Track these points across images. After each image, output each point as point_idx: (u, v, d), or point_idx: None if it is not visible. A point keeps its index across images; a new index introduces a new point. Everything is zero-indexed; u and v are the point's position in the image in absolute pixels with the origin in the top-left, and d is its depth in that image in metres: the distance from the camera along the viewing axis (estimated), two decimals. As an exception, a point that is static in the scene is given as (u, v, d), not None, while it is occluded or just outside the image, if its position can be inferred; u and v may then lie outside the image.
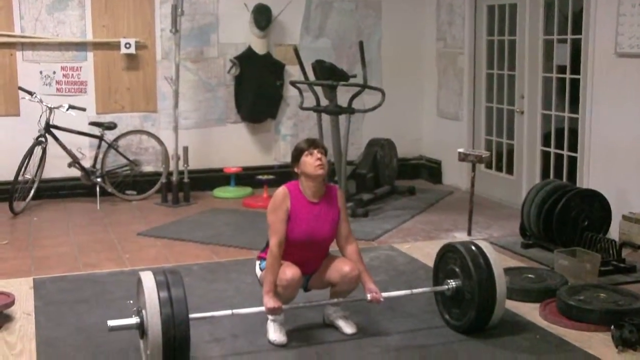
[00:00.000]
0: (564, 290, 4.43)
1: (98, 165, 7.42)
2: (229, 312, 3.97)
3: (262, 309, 3.92)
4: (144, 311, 3.65)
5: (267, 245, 4.09)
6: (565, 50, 6.70)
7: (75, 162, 7.32)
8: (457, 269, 4.19)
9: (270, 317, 4.08)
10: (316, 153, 3.99)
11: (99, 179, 7.39)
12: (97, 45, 7.65)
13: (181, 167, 7.52)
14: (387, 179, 7.79)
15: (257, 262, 4.20)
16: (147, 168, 7.87)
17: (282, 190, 4.04)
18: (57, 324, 4.33)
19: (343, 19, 8.40)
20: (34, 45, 7.46)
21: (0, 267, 5.43)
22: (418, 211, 7.15)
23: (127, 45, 7.62)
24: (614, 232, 5.73)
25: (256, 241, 5.66)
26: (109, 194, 7.51)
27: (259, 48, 8.01)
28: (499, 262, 4.18)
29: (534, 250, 5.75)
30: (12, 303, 4.38)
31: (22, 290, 4.80)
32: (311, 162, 3.97)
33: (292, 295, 4.02)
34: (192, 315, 3.65)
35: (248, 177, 7.93)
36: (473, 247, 4.18)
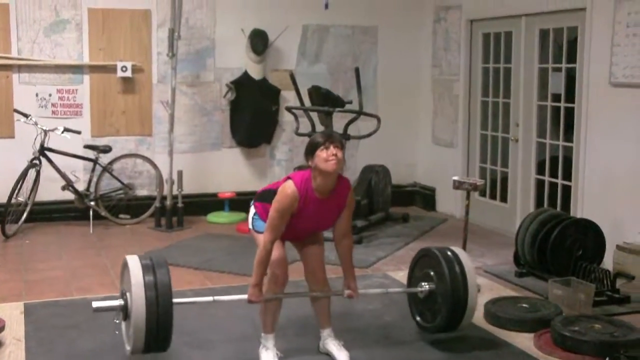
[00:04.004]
0: (559, 321, 4.42)
1: (92, 189, 7.40)
2: (210, 298, 4.14)
3: (244, 296, 3.98)
4: (127, 294, 3.67)
5: (263, 199, 4.08)
6: (560, 79, 6.74)
7: (69, 185, 7.29)
8: (431, 273, 4.31)
9: (262, 341, 4.12)
10: (332, 148, 3.84)
11: (92, 203, 7.36)
12: (93, 68, 7.66)
13: (175, 192, 7.50)
14: (382, 205, 7.78)
15: (252, 212, 4.15)
16: (141, 192, 7.85)
17: (292, 191, 3.87)
18: (47, 349, 4.30)
19: (339, 45, 8.44)
20: (31, 68, 7.47)
21: (-9, 291, 5.40)
22: (412, 239, 7.14)
23: (124, 69, 7.63)
24: (607, 262, 5.72)
25: (250, 267, 5.62)
26: (103, 218, 7.48)
27: (255, 73, 8.03)
28: (472, 267, 4.32)
29: (528, 279, 5.74)
30: (2, 328, 4.34)
31: (12, 315, 4.76)
32: (325, 157, 3.83)
33: (283, 275, 4.04)
34: (175, 300, 3.74)
35: (242, 202, 7.85)
36: (449, 253, 4.33)
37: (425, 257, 4.44)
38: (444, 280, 4.20)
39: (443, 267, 4.22)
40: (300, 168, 4.38)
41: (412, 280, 4.53)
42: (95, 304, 3.78)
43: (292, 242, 4.22)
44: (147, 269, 3.70)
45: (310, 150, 3.89)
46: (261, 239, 3.94)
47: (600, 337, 4.19)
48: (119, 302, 3.76)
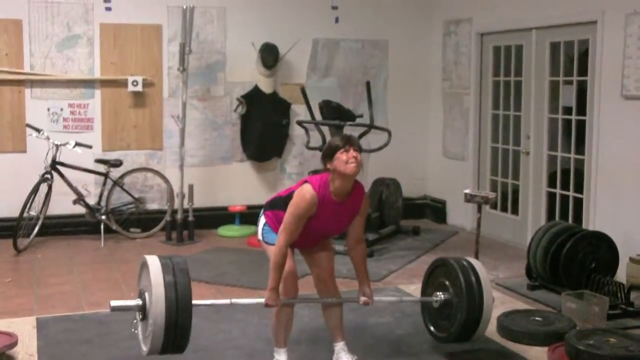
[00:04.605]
0: (573, 335, 4.38)
1: (103, 203, 7.42)
2: (227, 301, 4.08)
3: (261, 300, 3.94)
4: (146, 293, 3.68)
5: (273, 206, 4.08)
6: (571, 92, 6.72)
7: (80, 199, 7.31)
8: (447, 282, 4.32)
9: (276, 356, 4.11)
10: (352, 151, 3.86)
11: (103, 217, 7.38)
12: (104, 83, 7.69)
13: (186, 205, 7.51)
14: (392, 218, 7.76)
15: (262, 224, 4.12)
16: (152, 206, 7.86)
17: (310, 196, 3.86)
18: (60, 364, 4.30)
19: (349, 59, 8.46)
20: (43, 83, 7.51)
21: (3, 306, 5.40)
22: (423, 252, 7.12)
23: (135, 83, 7.66)
24: (620, 275, 5.69)
25: (261, 281, 5.63)
26: (114, 232, 7.49)
27: (266, 87, 8.05)
28: (487, 277, 4.33)
29: (541, 292, 5.71)
30: (15, 343, 4.34)
31: (25, 330, 4.76)
32: (345, 159, 3.83)
33: (293, 287, 4.04)
34: (194, 302, 3.71)
35: (253, 215, 7.82)
36: (464, 262, 4.34)
37: (440, 267, 4.45)
38: (459, 290, 4.20)
39: (459, 276, 4.22)
40: (315, 172, 4.37)
41: (427, 289, 4.53)
42: (113, 303, 3.77)
43: (302, 251, 4.20)
44: (166, 268, 3.69)
45: (330, 154, 3.90)
46: (272, 251, 3.93)
47: (616, 351, 4.15)
48: (136, 302, 3.75)
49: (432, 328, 4.47)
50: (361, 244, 4.14)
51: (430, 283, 4.50)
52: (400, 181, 7.98)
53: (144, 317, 3.76)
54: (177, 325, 3.61)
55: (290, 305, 4.06)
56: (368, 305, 4.20)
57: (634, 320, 5.01)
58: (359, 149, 3.91)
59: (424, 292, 4.55)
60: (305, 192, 3.87)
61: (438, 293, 4.35)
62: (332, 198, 3.90)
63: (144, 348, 3.78)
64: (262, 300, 3.93)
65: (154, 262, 3.72)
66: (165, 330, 3.59)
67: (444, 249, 7.28)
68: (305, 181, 3.95)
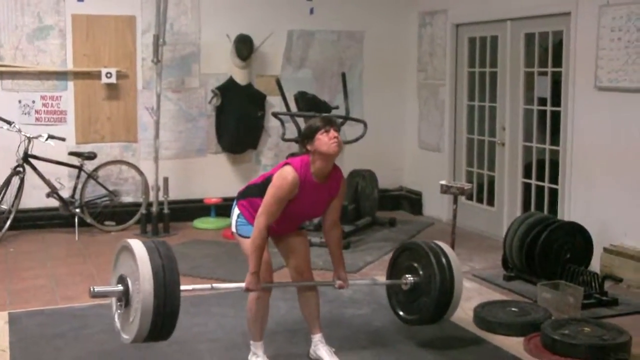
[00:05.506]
0: (548, 325, 4.41)
1: (77, 196, 7.34)
2: (208, 285, 4.08)
3: (241, 285, 3.90)
4: (128, 278, 3.56)
5: (247, 194, 4.05)
6: (545, 83, 6.75)
7: (53, 192, 7.23)
8: (415, 265, 4.32)
9: (252, 349, 4.09)
10: (332, 132, 3.86)
11: (77, 210, 7.30)
12: (77, 75, 7.60)
13: (161, 198, 7.46)
14: (368, 210, 7.76)
15: (235, 215, 4.08)
16: (127, 199, 7.79)
17: (292, 177, 3.83)
18: None
19: (325, 50, 8.43)
20: (13, 75, 7.39)
21: (-25, 301, 5.33)
22: (399, 243, 7.11)
23: (108, 75, 7.58)
24: (595, 265, 5.73)
25: (237, 273, 5.60)
26: (88, 225, 7.41)
27: (241, 78, 8.00)
28: (456, 258, 4.35)
29: (516, 283, 5.74)
30: (-12, 338, 4.29)
31: (-3, 325, 4.71)
32: (327, 140, 3.83)
33: (269, 277, 4.02)
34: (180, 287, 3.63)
35: (228, 207, 7.78)
36: (433, 245, 4.36)
37: (408, 251, 4.46)
38: (431, 272, 4.20)
39: (430, 258, 4.23)
40: (293, 155, 4.32)
41: (393, 273, 4.52)
42: (95, 288, 3.59)
43: (276, 240, 4.16)
44: (152, 251, 3.57)
45: (310, 135, 3.88)
46: (247, 243, 3.90)
47: (590, 341, 4.19)
48: (119, 288, 3.58)
49: (401, 312, 4.46)
50: (337, 227, 4.13)
51: (397, 266, 4.49)
52: (376, 173, 7.97)
53: (127, 304, 3.58)
54: (165, 309, 3.46)
55: (267, 292, 4.02)
56: (343, 289, 4.21)
57: (607, 310, 5.06)
58: (338, 130, 3.92)
59: (391, 275, 4.54)
60: (287, 174, 3.84)
61: (407, 276, 4.35)
62: (313, 179, 3.89)
63: (126, 336, 3.61)
64: (242, 285, 3.89)
65: (137, 245, 3.57)
66: (153, 315, 3.44)
67: (419, 240, 7.28)
68: (286, 163, 3.92)
